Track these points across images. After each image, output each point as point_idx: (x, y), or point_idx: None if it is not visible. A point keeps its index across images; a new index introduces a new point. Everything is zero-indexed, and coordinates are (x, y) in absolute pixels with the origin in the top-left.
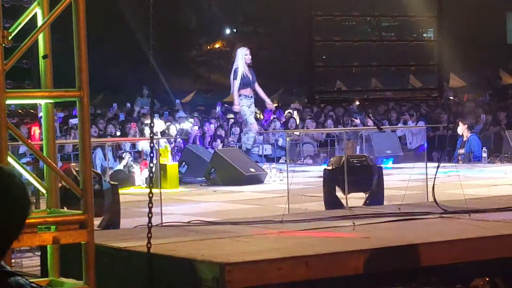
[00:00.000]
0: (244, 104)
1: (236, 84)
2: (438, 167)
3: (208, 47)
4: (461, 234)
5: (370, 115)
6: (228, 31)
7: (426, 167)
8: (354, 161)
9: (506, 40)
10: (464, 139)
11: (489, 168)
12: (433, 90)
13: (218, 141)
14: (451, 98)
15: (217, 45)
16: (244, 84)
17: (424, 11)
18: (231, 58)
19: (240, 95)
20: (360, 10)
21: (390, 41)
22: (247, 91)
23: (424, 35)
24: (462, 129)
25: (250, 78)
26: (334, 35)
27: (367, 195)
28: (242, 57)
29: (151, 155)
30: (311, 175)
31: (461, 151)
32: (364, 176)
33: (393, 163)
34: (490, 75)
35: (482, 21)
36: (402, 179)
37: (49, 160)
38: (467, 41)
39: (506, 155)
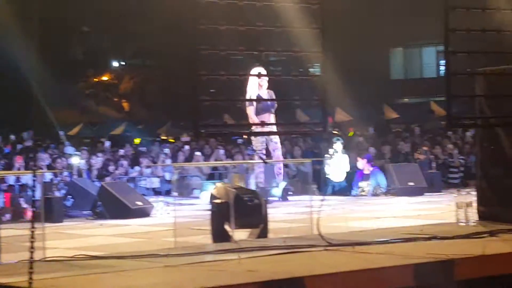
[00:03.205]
0: (254, 136)
1: (250, 110)
2: (323, 200)
3: (96, 79)
4: (345, 266)
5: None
6: (116, 63)
7: (311, 200)
8: (245, 198)
9: (390, 75)
10: (366, 172)
11: (373, 201)
12: (318, 124)
13: (106, 174)
14: (335, 132)
15: (104, 77)
16: (261, 109)
17: (311, 46)
18: (118, 91)
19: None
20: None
21: (275, 76)
22: (265, 117)
23: (311, 69)
24: (362, 163)
25: (269, 102)
26: (221, 69)
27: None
28: (253, 80)
29: (34, 188)
30: (199, 208)
31: (363, 184)
32: (252, 214)
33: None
34: (374, 110)
35: (366, 57)
36: (288, 212)
37: None
38: (352, 76)
39: (389, 188)
